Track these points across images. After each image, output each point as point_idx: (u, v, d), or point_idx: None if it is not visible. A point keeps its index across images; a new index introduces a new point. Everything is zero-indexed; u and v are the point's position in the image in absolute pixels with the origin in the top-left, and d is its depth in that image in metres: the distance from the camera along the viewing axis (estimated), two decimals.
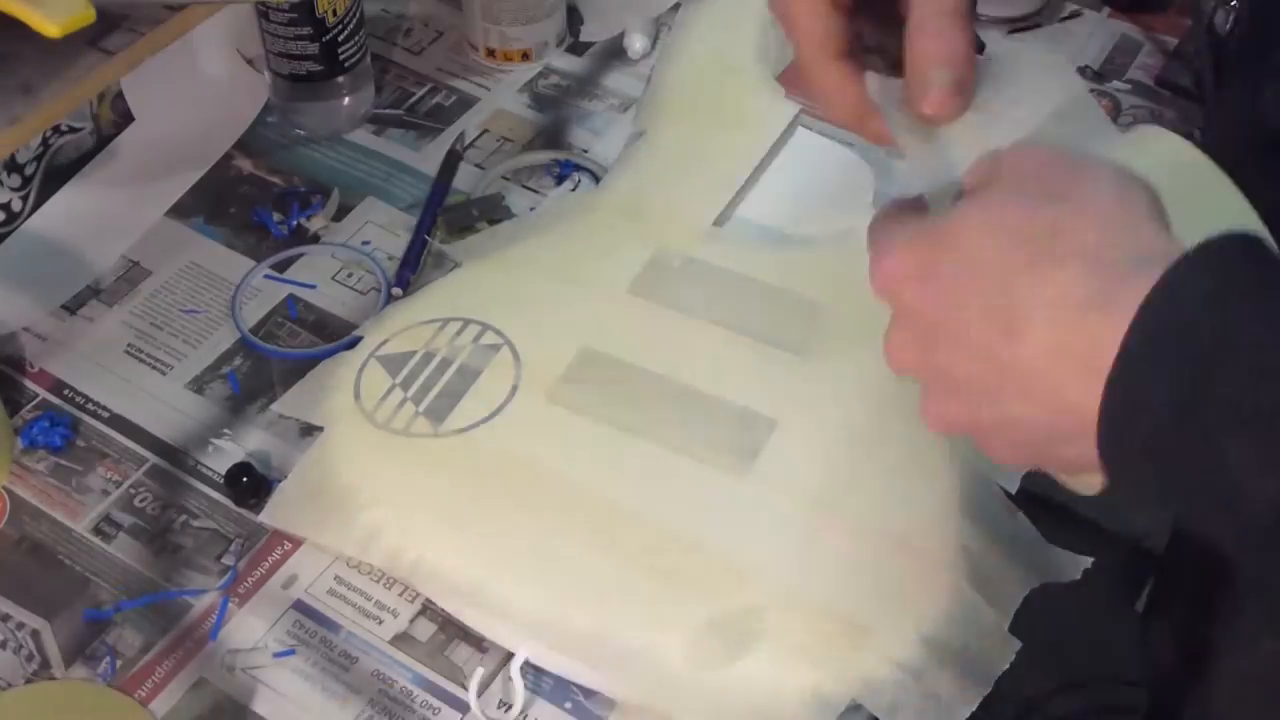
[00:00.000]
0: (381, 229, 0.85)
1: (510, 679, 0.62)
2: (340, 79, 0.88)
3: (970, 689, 0.59)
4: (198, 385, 0.76)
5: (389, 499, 0.66)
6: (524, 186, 0.87)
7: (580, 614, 0.61)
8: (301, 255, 0.83)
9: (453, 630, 0.65)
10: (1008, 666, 0.60)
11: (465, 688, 0.63)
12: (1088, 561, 0.65)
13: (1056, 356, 0.42)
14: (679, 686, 0.59)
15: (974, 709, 0.58)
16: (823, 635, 0.59)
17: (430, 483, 0.66)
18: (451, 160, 0.87)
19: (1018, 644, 0.61)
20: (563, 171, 0.87)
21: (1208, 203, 0.52)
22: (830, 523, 0.63)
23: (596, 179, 0.86)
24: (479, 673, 0.63)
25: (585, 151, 0.89)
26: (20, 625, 0.66)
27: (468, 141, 0.89)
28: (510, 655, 0.63)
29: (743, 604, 0.60)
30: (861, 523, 0.63)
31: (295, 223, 0.84)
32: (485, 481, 0.66)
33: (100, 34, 0.62)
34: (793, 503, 0.64)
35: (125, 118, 0.87)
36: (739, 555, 0.62)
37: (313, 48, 0.86)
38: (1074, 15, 1.00)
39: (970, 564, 0.62)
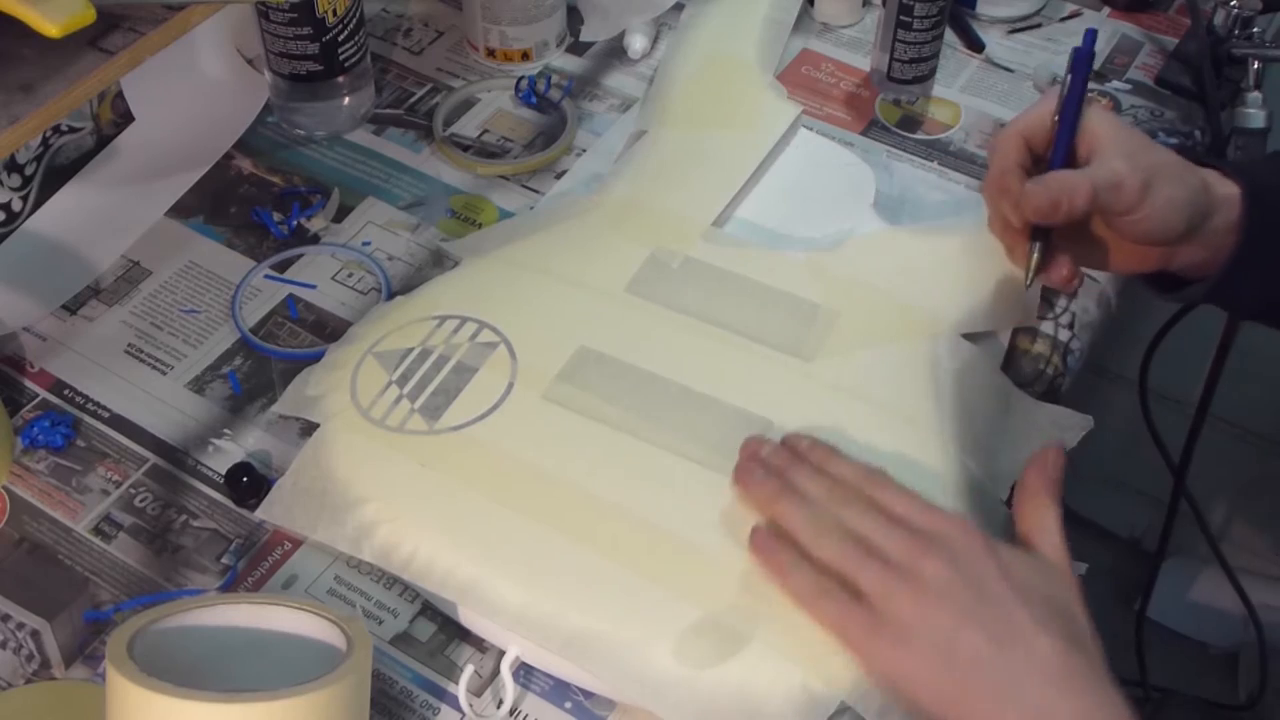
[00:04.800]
0: (381, 229, 0.85)
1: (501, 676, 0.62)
2: (340, 79, 0.88)
3: None
4: (198, 385, 0.76)
5: (383, 495, 0.66)
6: (524, 186, 0.88)
7: (571, 612, 0.61)
8: (301, 255, 0.83)
9: (452, 630, 0.66)
10: None
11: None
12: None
13: None
14: (669, 686, 0.59)
15: None
16: (813, 637, 0.59)
17: (424, 479, 0.66)
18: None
19: None
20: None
21: None
22: None
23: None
24: (469, 670, 0.63)
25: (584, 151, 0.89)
26: (20, 625, 0.66)
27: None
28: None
29: (733, 604, 0.60)
30: None
31: (295, 223, 0.85)
32: (479, 479, 0.66)
33: (100, 34, 0.62)
34: None
35: (125, 118, 0.88)
36: (731, 556, 0.62)
37: (313, 48, 0.86)
38: (1074, 15, 1.00)
39: None
